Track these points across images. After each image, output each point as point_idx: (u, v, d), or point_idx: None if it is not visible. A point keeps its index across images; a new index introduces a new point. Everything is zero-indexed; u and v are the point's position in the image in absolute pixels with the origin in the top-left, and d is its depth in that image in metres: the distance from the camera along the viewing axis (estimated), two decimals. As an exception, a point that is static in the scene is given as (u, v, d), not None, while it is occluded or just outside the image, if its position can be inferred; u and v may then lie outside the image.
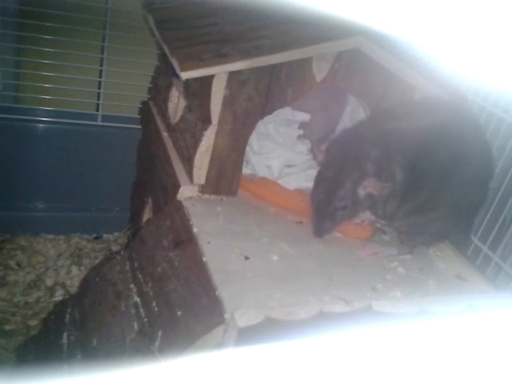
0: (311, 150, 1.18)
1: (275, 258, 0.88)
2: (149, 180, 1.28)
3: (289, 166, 1.15)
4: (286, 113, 1.19)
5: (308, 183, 1.12)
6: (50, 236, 1.56)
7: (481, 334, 0.62)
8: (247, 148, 1.10)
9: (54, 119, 1.47)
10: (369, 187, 0.92)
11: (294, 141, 1.18)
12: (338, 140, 1.02)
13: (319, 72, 1.00)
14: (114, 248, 1.58)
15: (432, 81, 1.05)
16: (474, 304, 0.80)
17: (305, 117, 1.21)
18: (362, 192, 0.93)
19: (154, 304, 0.83)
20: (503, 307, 0.76)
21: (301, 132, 1.20)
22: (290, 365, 0.58)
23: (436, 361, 0.64)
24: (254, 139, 1.13)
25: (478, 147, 0.97)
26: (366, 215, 1.02)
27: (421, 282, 0.92)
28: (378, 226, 1.06)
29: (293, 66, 0.97)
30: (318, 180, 0.99)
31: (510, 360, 0.59)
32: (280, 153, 1.13)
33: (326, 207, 0.94)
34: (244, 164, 1.07)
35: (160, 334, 0.78)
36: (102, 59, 1.47)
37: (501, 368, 0.60)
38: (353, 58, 1.01)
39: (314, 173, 1.10)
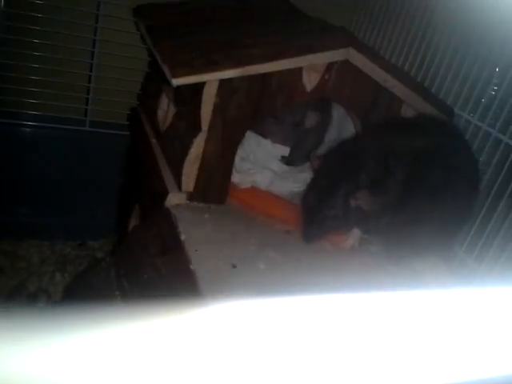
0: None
1: (263, 266, 0.87)
2: (136, 187, 1.27)
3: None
4: (266, 144, 1.17)
5: (298, 185, 1.12)
6: (35, 242, 1.53)
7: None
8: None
9: (40, 124, 1.46)
10: (360, 199, 0.91)
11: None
12: (337, 149, 1.01)
13: (309, 82, 1.01)
14: (99, 255, 1.55)
15: (419, 94, 1.06)
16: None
17: (285, 151, 1.19)
18: (353, 203, 0.91)
19: (139, 311, 0.82)
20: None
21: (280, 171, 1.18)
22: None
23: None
24: (236, 159, 1.11)
25: (467, 164, 0.98)
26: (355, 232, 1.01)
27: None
28: (365, 236, 1.07)
29: (284, 76, 0.98)
30: (311, 185, 0.98)
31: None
32: (263, 170, 1.13)
33: (316, 214, 0.93)
34: (232, 172, 1.07)
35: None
36: (91, 65, 1.47)
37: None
38: (343, 69, 1.01)
39: (305, 176, 1.09)
